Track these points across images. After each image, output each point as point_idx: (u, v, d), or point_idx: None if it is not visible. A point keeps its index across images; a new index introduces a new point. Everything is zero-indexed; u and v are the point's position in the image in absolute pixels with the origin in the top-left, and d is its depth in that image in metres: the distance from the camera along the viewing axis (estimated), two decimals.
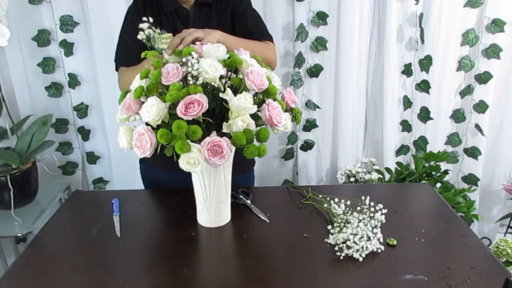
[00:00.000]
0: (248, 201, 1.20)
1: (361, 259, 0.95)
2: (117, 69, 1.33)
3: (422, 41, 1.95)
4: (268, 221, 1.12)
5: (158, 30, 1.02)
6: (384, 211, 1.06)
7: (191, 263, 0.97)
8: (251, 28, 1.29)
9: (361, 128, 2.16)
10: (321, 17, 1.92)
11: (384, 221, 1.06)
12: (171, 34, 1.02)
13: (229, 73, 0.99)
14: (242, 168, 1.38)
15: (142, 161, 1.44)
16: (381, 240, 1.00)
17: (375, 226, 1.04)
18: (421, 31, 1.93)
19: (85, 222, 1.14)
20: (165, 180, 1.36)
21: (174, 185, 1.30)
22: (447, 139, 2.15)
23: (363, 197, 1.10)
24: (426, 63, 1.97)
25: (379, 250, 0.97)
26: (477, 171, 2.13)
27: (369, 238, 0.99)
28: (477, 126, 2.05)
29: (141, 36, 1.02)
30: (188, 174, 1.01)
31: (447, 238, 1.05)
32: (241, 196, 1.21)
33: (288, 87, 1.96)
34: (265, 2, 1.91)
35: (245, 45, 1.06)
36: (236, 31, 1.26)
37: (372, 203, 1.07)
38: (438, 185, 1.84)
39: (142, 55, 1.01)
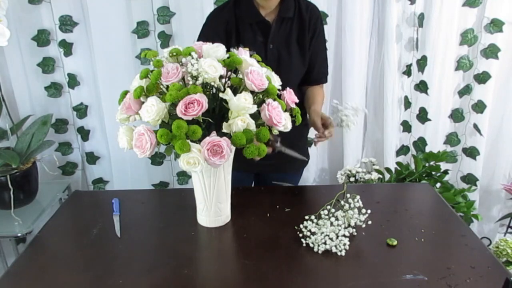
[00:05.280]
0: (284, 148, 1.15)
1: (318, 251, 0.98)
2: None
3: (418, 41, 1.94)
4: (306, 159, 1.12)
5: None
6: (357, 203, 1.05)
7: (191, 263, 0.97)
8: (318, 72, 1.42)
9: (361, 128, 2.16)
10: None
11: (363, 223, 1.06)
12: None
13: (229, 73, 0.99)
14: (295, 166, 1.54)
15: None
16: (340, 247, 0.98)
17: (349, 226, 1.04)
18: (417, 31, 1.93)
19: (85, 222, 1.14)
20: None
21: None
22: (446, 138, 2.15)
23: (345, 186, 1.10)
24: (422, 63, 1.97)
25: (340, 253, 0.97)
26: (476, 171, 2.13)
27: (331, 239, 0.99)
28: (475, 126, 2.05)
29: None
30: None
31: (447, 238, 1.05)
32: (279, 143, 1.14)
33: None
34: None
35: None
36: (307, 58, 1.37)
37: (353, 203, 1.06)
38: (438, 185, 1.84)
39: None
